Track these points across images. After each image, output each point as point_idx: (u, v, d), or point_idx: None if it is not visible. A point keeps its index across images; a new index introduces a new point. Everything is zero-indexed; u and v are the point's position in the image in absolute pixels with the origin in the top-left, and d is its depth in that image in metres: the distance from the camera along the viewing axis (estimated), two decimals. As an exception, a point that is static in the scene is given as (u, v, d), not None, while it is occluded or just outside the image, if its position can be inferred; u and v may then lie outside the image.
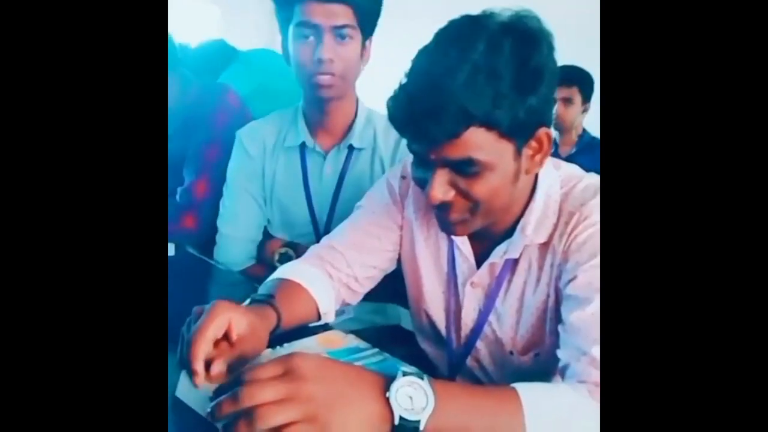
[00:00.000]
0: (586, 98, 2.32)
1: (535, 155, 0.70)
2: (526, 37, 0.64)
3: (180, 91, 1.24)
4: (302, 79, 1.07)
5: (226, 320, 0.61)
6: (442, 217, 0.73)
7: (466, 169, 0.66)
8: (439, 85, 0.61)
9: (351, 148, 1.14)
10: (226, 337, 0.62)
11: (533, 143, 0.69)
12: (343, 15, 1.00)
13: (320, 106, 1.11)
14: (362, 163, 1.15)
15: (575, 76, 2.26)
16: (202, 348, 0.58)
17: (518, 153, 0.67)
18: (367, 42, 1.09)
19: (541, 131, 0.68)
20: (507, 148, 0.66)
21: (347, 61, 1.04)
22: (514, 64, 0.62)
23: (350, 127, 1.14)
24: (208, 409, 0.50)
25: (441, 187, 0.68)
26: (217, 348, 0.61)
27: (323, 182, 1.15)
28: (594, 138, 2.35)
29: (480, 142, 0.64)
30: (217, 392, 0.51)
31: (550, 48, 0.66)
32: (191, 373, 0.57)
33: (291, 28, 1.03)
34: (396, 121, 0.67)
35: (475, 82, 0.61)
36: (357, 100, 1.17)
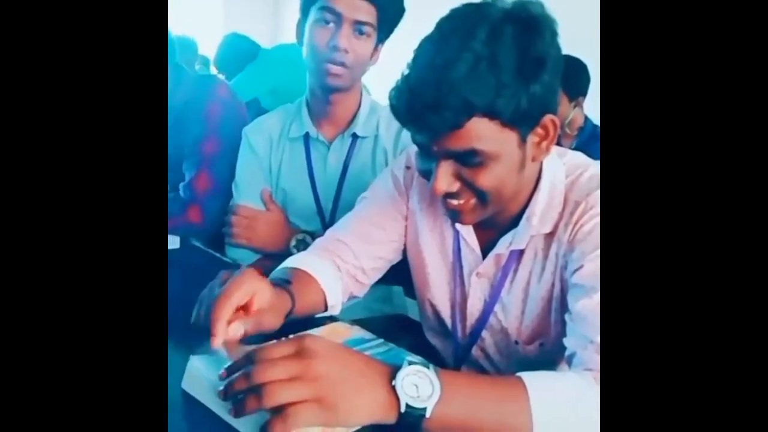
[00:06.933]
0: (575, 93, 2.17)
1: (541, 142, 0.70)
2: (528, 25, 0.63)
3: (175, 84, 1.23)
4: (312, 61, 1.08)
5: (252, 290, 0.63)
6: (449, 206, 0.72)
7: (470, 159, 0.66)
8: (441, 76, 0.61)
9: (354, 136, 1.15)
10: (245, 307, 0.63)
11: (539, 130, 0.68)
12: (367, 12, 1.03)
13: (325, 96, 1.11)
14: (365, 151, 1.16)
15: None
16: (226, 311, 0.59)
17: (523, 141, 0.67)
18: (380, 46, 1.11)
19: (547, 118, 0.67)
20: (511, 137, 0.65)
21: (359, 56, 1.06)
22: (515, 52, 0.62)
23: (354, 117, 1.15)
24: (221, 388, 0.51)
25: (445, 179, 0.68)
26: (236, 314, 0.62)
27: (327, 171, 1.16)
28: (596, 126, 2.30)
29: (483, 133, 0.63)
30: (230, 370, 0.52)
31: (553, 35, 0.65)
32: (209, 334, 0.58)
33: (313, 10, 1.05)
34: (398, 113, 0.67)
35: (477, 72, 0.61)
36: (361, 92, 1.18)
